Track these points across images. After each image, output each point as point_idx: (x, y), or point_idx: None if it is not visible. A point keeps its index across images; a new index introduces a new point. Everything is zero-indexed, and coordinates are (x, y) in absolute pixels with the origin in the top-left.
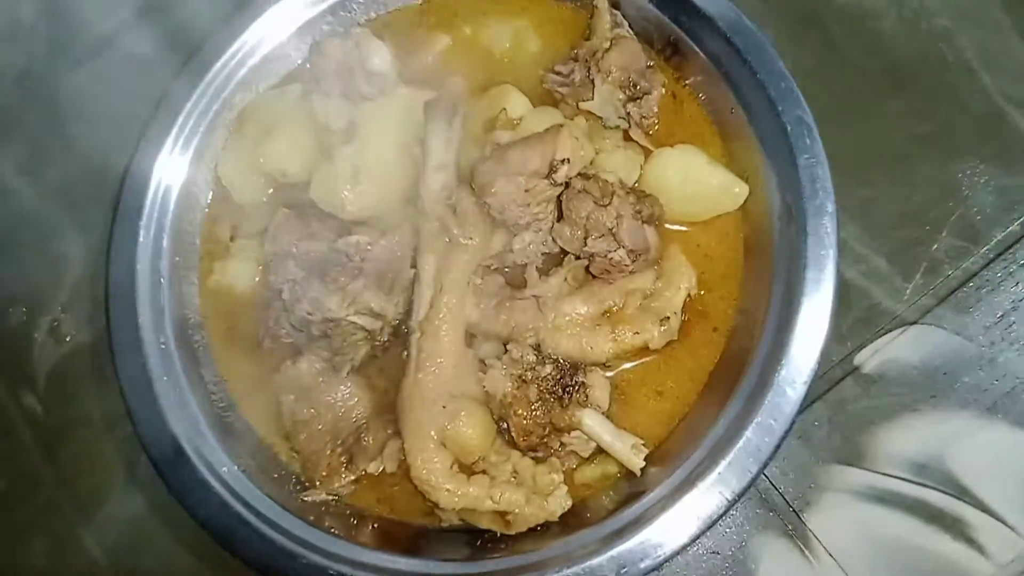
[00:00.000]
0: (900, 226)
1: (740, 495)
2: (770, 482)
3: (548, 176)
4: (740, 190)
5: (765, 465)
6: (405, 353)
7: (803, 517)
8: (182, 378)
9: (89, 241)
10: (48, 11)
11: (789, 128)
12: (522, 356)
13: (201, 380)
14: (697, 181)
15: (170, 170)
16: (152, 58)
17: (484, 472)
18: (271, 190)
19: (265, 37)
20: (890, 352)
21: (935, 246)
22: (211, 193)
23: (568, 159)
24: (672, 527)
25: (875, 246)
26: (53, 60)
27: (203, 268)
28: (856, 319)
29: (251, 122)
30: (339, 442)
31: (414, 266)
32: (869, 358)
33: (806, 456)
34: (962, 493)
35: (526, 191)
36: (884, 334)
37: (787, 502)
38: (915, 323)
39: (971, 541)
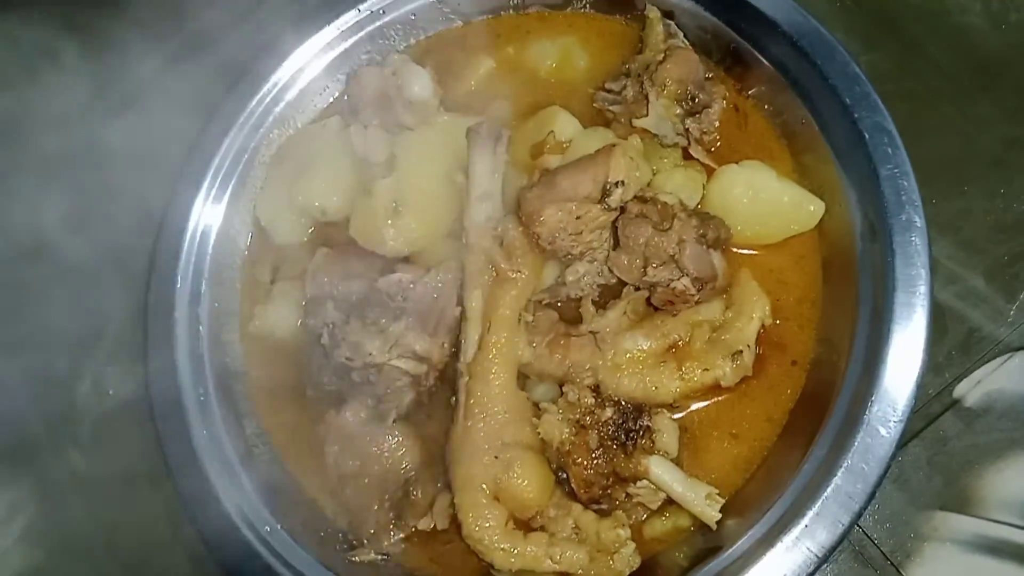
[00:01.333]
0: (998, 240)
1: (831, 550)
2: (864, 533)
3: (601, 201)
4: (815, 207)
5: (858, 516)
6: (453, 398)
7: (904, 572)
8: (223, 432)
9: (131, 291)
10: (88, 56)
11: (867, 136)
12: (579, 399)
13: (243, 432)
14: (767, 199)
15: (207, 213)
16: (193, 98)
17: (543, 528)
18: (311, 229)
19: (302, 70)
20: (994, 382)
21: None
22: (250, 234)
23: (622, 181)
24: None
25: (971, 264)
26: (93, 106)
27: (243, 313)
28: (953, 346)
29: (289, 159)
30: (387, 496)
31: (460, 304)
32: (971, 390)
33: (904, 502)
34: None
35: (577, 218)
36: (986, 362)
37: (884, 555)
38: (1021, 348)
39: None
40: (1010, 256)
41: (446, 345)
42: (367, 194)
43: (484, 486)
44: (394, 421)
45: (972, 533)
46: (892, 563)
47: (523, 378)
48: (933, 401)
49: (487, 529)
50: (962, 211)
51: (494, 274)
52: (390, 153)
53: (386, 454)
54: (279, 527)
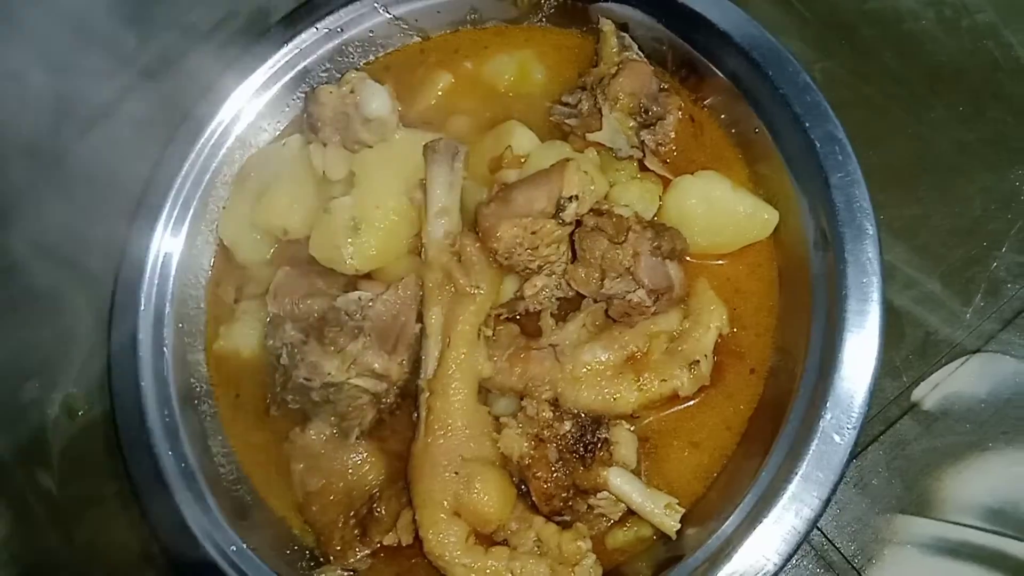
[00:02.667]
0: (954, 244)
1: (788, 557)
2: (825, 537)
3: (555, 216)
4: (770, 216)
5: (815, 522)
6: (415, 414)
7: (864, 575)
8: (189, 452)
9: (98, 313)
10: (51, 81)
11: (818, 145)
12: (538, 412)
13: (208, 452)
14: (722, 210)
15: (169, 234)
16: (158, 120)
17: (505, 542)
18: (274, 248)
19: (262, 90)
20: (952, 385)
21: (995, 264)
22: (213, 254)
23: (576, 196)
24: None
25: (927, 268)
26: (59, 130)
27: (209, 333)
28: (911, 350)
29: (251, 178)
30: (352, 513)
31: (420, 320)
32: (929, 393)
33: (865, 507)
34: None
35: (533, 233)
36: (944, 365)
37: (846, 559)
38: (978, 351)
39: None
40: (965, 260)
41: (404, 363)
42: (326, 212)
43: (445, 502)
44: (357, 438)
45: (932, 536)
46: (853, 567)
47: (484, 392)
48: (891, 405)
49: (448, 545)
50: (918, 216)
51: (453, 290)
52: (349, 171)
53: (350, 471)
54: (244, 546)
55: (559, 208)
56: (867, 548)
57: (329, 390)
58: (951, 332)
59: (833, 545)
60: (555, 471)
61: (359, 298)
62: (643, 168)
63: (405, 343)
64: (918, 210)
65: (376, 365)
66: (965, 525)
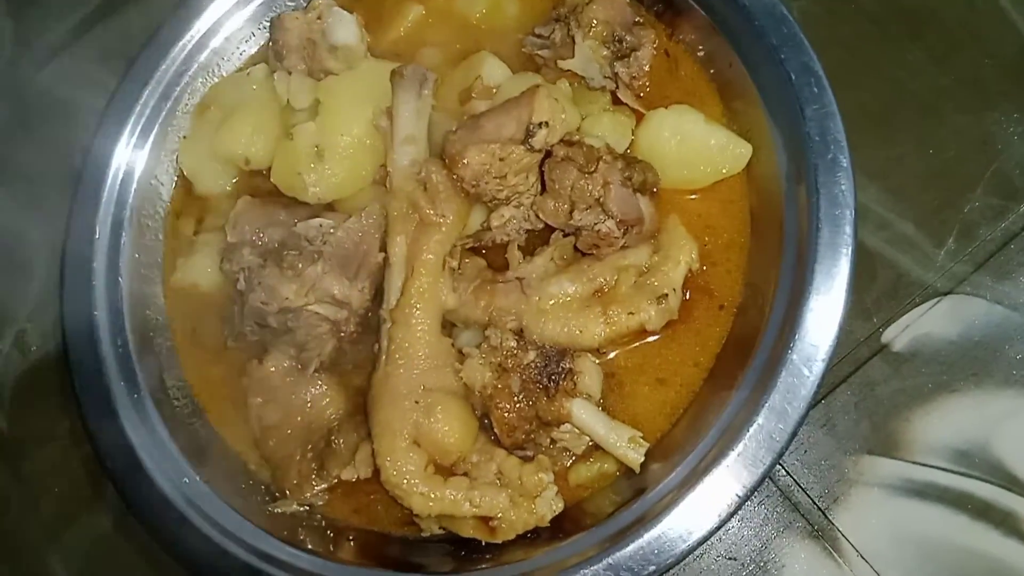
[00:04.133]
0: (928, 186)
1: (752, 489)
2: (792, 477)
3: (525, 142)
4: (743, 150)
5: (780, 454)
6: (376, 345)
7: (830, 516)
8: (142, 384)
9: (54, 246)
10: (12, 11)
11: (794, 77)
12: (502, 342)
13: (163, 385)
14: (695, 143)
15: (127, 163)
16: (117, 52)
17: (465, 475)
18: (235, 179)
19: (225, 17)
20: (923, 327)
21: (968, 206)
22: (173, 185)
23: (546, 122)
24: (676, 529)
25: (901, 210)
26: (19, 60)
27: (167, 266)
28: (883, 292)
29: (214, 107)
30: (309, 447)
31: (384, 251)
32: (899, 334)
33: (832, 447)
34: (1011, 483)
35: (501, 160)
36: (915, 307)
37: (812, 500)
38: (950, 293)
39: None
40: (939, 203)
41: (366, 290)
42: (288, 138)
43: (404, 431)
44: (316, 371)
45: (899, 477)
46: (819, 507)
47: (449, 326)
48: (861, 346)
49: (406, 473)
50: (892, 158)
51: (418, 219)
52: (314, 100)
53: (309, 404)
54: (197, 479)
55: (528, 134)
56: (833, 489)
57: (287, 316)
58: (923, 274)
59: (799, 486)
60: (518, 402)
61: (320, 224)
62: (616, 101)
63: (367, 271)
64: (892, 152)
65: (336, 291)
66: (931, 466)
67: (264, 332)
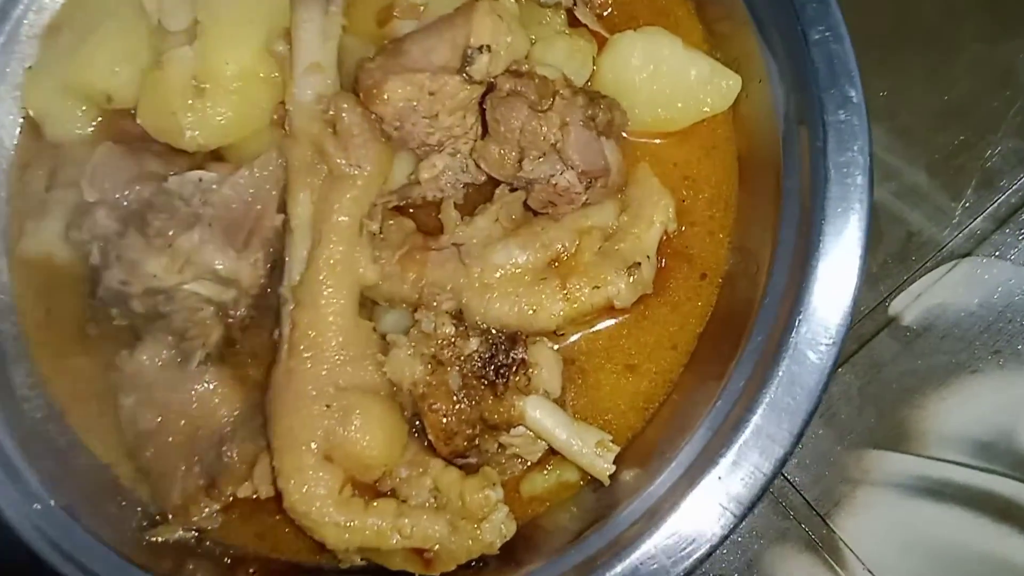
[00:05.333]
0: (941, 127)
1: (750, 507)
2: (785, 478)
3: (461, 71)
4: (730, 84)
5: (783, 462)
6: (276, 332)
7: (831, 522)
8: None
9: None
10: None
11: None
12: (436, 328)
13: (8, 382)
14: (670, 74)
15: None
16: None
17: (393, 492)
18: (96, 120)
19: None
20: (937, 295)
21: (989, 151)
22: (18, 129)
23: (487, 46)
24: (656, 559)
25: (910, 156)
26: None
27: (12, 231)
28: (889, 254)
29: (66, 29)
30: (197, 458)
31: (284, 211)
32: (909, 305)
33: (831, 441)
34: None
35: (431, 95)
36: (927, 272)
37: (809, 504)
38: (968, 255)
39: None
40: (954, 146)
41: (259, 262)
42: (158, 68)
43: (312, 443)
44: (202, 363)
45: (910, 474)
46: (817, 513)
47: (369, 305)
48: (865, 319)
49: (315, 498)
50: (899, 94)
51: (326, 170)
52: (192, 18)
53: (194, 404)
54: (53, 503)
55: (466, 61)
56: (833, 490)
57: (157, 299)
58: (937, 232)
59: (794, 488)
60: (457, 402)
61: (200, 179)
62: (573, 22)
63: (261, 238)
64: (899, 87)
65: (219, 265)
66: (948, 461)
67: (133, 316)
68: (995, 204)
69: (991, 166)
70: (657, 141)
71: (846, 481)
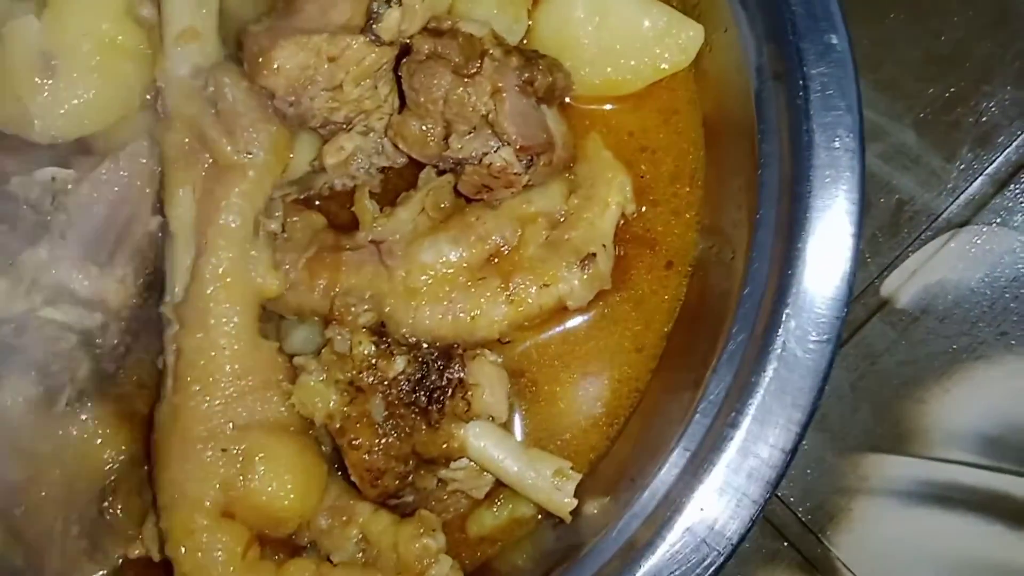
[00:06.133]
0: (931, 77)
1: (740, 539)
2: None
3: (365, 30)
4: (691, 34)
5: (776, 484)
6: (160, 359)
7: (826, 539)
8: None
9: None
10: None
11: None
12: (353, 347)
13: None
14: (620, 27)
15: None
16: None
17: (312, 545)
18: None
19: None
20: (934, 272)
21: (986, 103)
22: None
23: None
24: None
25: (897, 112)
26: None
27: None
28: (879, 226)
29: None
30: (75, 515)
31: (160, 212)
32: (903, 284)
33: (823, 446)
34: None
35: (331, 60)
36: (922, 245)
37: (801, 520)
38: (967, 224)
39: None
40: (947, 98)
41: (129, 278)
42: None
43: (205, 498)
44: (73, 401)
45: (913, 479)
46: (810, 530)
47: (274, 320)
48: (855, 304)
49: (213, 566)
50: (882, 40)
51: (209, 160)
52: None
53: (70, 451)
54: None
55: (371, 17)
56: (828, 503)
57: (3, 330)
58: (931, 199)
59: (783, 503)
60: (383, 435)
61: (52, 178)
62: None
63: (131, 248)
64: (881, 31)
65: (77, 285)
66: (954, 462)
67: None
68: (994, 164)
69: (988, 120)
70: (608, 107)
71: (841, 491)
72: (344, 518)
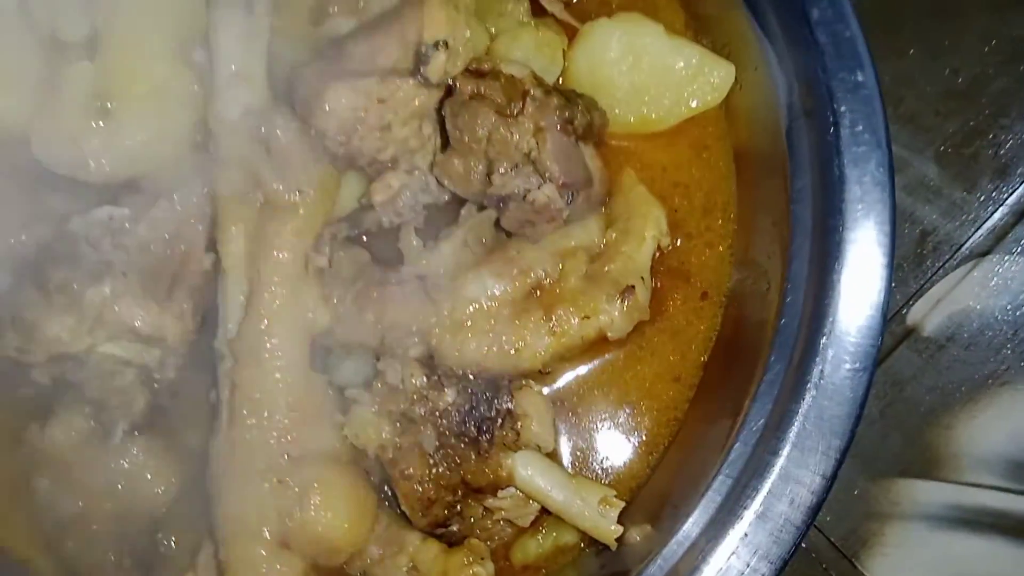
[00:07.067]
0: (950, 111)
1: (782, 565)
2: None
3: (415, 73)
4: (722, 74)
5: (815, 513)
6: (213, 394)
7: (859, 564)
8: None
9: None
10: None
11: None
12: (404, 379)
13: None
14: (654, 66)
15: None
16: None
17: (363, 575)
18: None
19: None
20: (958, 300)
21: (1004, 136)
22: None
23: (444, 42)
24: None
25: (918, 145)
26: None
27: None
28: (903, 257)
29: None
30: (127, 548)
31: (214, 249)
32: (929, 313)
33: (855, 471)
34: None
35: (381, 103)
36: (946, 274)
37: (833, 544)
38: (989, 253)
39: None
40: (966, 132)
41: (187, 314)
42: (54, 88)
43: (264, 529)
44: (127, 435)
45: (943, 503)
46: (843, 554)
47: (323, 353)
48: None
49: None
50: (901, 76)
51: (261, 199)
52: (91, 25)
53: (120, 484)
54: None
55: (420, 60)
56: (860, 527)
57: (64, 366)
58: (953, 229)
59: (817, 528)
60: (434, 465)
61: (110, 217)
62: (538, 11)
63: (187, 285)
64: (901, 68)
65: (139, 321)
66: (983, 486)
67: (40, 386)
68: (1014, 195)
69: (1006, 152)
70: (641, 143)
71: (873, 516)
72: (395, 547)
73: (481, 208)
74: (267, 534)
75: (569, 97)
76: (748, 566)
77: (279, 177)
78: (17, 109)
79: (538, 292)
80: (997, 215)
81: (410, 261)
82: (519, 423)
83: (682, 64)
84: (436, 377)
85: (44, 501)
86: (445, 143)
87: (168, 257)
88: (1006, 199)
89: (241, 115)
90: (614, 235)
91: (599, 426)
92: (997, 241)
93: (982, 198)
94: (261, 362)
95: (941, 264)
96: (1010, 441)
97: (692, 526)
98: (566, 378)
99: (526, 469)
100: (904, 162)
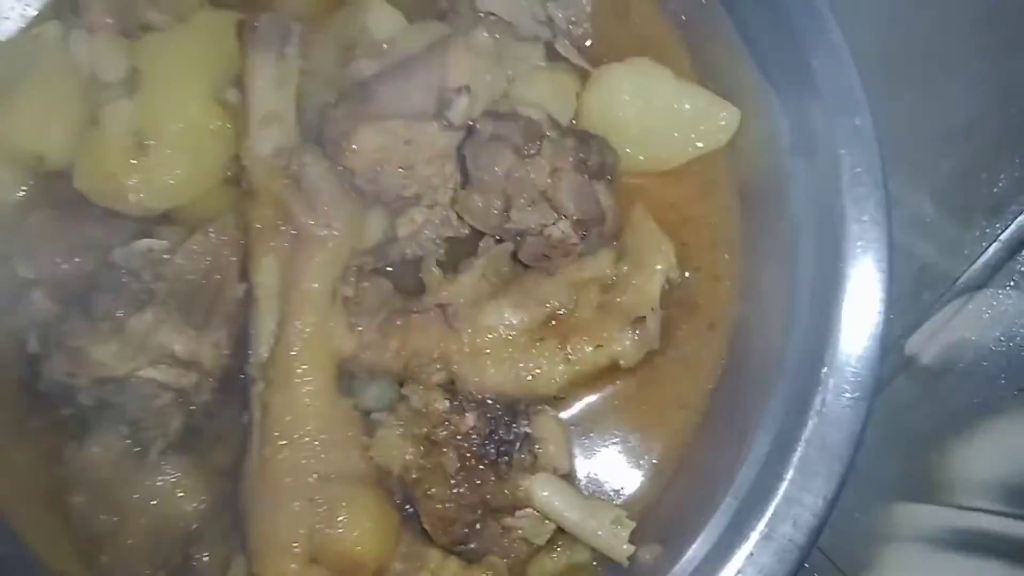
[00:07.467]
0: (946, 152)
1: None
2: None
3: (438, 116)
4: (728, 116)
5: (817, 534)
6: (245, 416)
7: None
8: None
9: None
10: None
11: (791, 16)
12: (428, 403)
13: None
14: (663, 108)
15: None
16: None
17: None
18: (27, 184)
19: None
20: (955, 331)
21: (997, 175)
22: None
23: (466, 87)
24: None
25: (914, 185)
26: None
27: None
28: (901, 290)
29: None
30: (161, 562)
31: (246, 279)
32: (926, 344)
33: (855, 495)
34: None
35: (406, 143)
36: (943, 307)
37: (836, 566)
38: (983, 287)
39: None
40: (961, 171)
41: (222, 341)
42: (95, 125)
43: (294, 545)
44: (162, 454)
45: (942, 526)
46: (845, 574)
47: (348, 379)
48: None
49: None
50: (897, 119)
51: (292, 232)
52: (130, 66)
53: (156, 502)
54: None
55: (443, 104)
56: (861, 550)
57: (107, 389)
58: (949, 264)
59: (819, 549)
60: (456, 486)
61: (149, 249)
62: (552, 56)
63: (222, 313)
64: (897, 111)
65: (177, 347)
66: (980, 510)
67: (83, 407)
68: (1007, 231)
69: (999, 191)
70: (651, 181)
71: (874, 539)
72: (417, 563)
73: (499, 241)
74: (298, 549)
75: (583, 138)
76: None
77: (310, 212)
78: (62, 144)
79: (554, 322)
80: (991, 251)
81: (432, 291)
82: (536, 446)
83: (690, 107)
84: (457, 402)
85: (80, 516)
86: (465, 180)
87: (204, 286)
88: (999, 235)
89: (273, 152)
90: (626, 268)
91: (611, 449)
92: (991, 275)
93: (976, 234)
94: (291, 386)
95: (938, 297)
96: (1006, 467)
97: (700, 546)
98: (580, 404)
99: (543, 490)
100: (900, 201)
